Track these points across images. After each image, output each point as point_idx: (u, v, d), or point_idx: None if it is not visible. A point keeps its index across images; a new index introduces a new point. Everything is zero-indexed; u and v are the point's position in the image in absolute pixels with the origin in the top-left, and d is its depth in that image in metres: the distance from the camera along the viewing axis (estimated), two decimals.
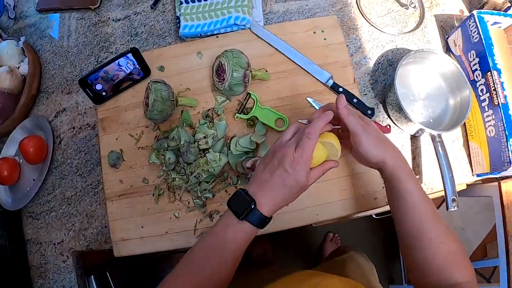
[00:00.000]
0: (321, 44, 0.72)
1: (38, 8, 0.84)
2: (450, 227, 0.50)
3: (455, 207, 0.64)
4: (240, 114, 0.66)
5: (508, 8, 0.79)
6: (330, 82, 0.69)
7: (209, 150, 0.65)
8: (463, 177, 0.75)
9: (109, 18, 0.80)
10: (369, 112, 0.69)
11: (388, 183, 0.52)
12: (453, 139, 0.76)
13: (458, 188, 0.86)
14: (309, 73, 0.70)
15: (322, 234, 1.64)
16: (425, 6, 0.83)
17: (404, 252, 0.52)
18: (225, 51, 0.64)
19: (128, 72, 0.71)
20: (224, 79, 0.64)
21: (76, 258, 0.73)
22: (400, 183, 0.49)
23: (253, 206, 0.45)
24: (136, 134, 0.70)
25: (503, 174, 0.71)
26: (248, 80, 0.64)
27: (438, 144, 0.67)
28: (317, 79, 0.69)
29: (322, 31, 0.72)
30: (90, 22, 0.80)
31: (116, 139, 0.71)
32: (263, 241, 1.53)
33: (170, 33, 0.76)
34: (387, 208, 0.60)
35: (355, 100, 0.68)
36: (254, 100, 0.67)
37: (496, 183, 0.83)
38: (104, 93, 0.71)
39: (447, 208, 0.64)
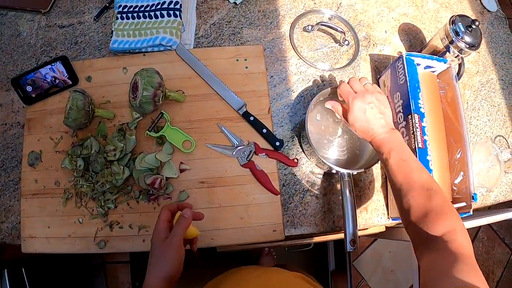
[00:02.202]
0: (242, 72, 0.74)
1: None
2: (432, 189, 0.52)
3: (354, 249, 0.63)
4: (150, 131, 0.69)
5: (444, 53, 0.78)
6: (242, 110, 0.71)
7: (114, 162, 0.68)
8: (377, 219, 0.76)
9: (55, 24, 0.84)
10: (278, 143, 0.71)
11: None
12: (370, 179, 0.77)
13: (376, 230, 0.86)
14: (224, 99, 0.72)
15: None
16: (361, 45, 0.85)
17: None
18: (142, 69, 0.67)
19: (57, 78, 0.75)
20: (136, 96, 0.67)
21: None
22: (381, 159, 0.59)
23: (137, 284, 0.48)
24: (56, 138, 0.74)
25: None
26: (159, 99, 0.67)
27: (346, 183, 0.66)
28: (231, 106, 0.72)
29: (246, 60, 0.75)
30: (38, 25, 0.84)
31: (38, 140, 0.75)
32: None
33: (106, 45, 0.80)
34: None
35: (264, 131, 0.71)
36: (166, 120, 0.70)
37: None
38: (33, 95, 0.75)
39: (346, 249, 0.64)
